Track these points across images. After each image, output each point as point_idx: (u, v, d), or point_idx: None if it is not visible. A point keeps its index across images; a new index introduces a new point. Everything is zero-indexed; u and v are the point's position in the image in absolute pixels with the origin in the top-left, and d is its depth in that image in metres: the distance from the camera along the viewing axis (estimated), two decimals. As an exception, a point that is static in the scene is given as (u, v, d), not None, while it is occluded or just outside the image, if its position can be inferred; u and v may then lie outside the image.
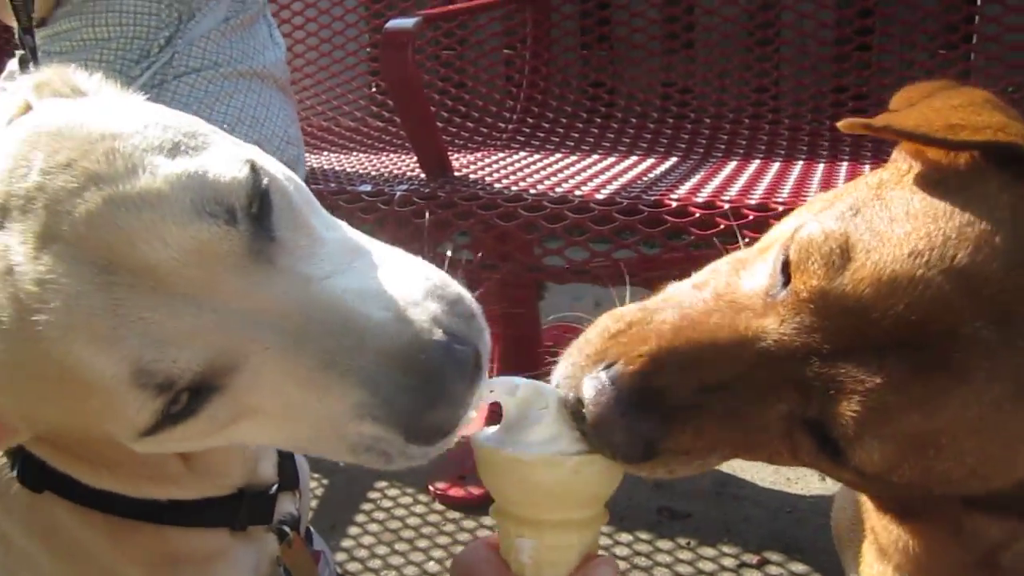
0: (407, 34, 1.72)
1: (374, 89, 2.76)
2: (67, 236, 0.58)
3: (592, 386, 0.65)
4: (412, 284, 0.65)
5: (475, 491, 2.13)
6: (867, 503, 0.90)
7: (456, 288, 0.68)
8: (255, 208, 0.62)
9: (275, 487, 0.97)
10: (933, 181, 0.66)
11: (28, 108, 0.74)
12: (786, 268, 0.66)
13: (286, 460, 1.01)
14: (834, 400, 0.62)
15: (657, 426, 0.64)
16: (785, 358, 0.63)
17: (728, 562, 1.88)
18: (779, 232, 0.73)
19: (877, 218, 0.64)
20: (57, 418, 0.67)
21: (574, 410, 0.66)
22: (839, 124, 0.74)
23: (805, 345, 0.63)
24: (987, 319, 0.59)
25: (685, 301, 0.71)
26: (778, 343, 0.64)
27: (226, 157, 0.63)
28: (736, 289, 0.70)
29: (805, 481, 2.12)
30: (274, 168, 0.68)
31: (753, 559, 1.88)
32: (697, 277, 0.75)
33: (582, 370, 0.68)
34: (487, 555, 0.66)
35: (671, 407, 0.64)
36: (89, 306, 0.58)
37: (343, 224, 0.72)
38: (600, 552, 0.71)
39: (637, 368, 0.65)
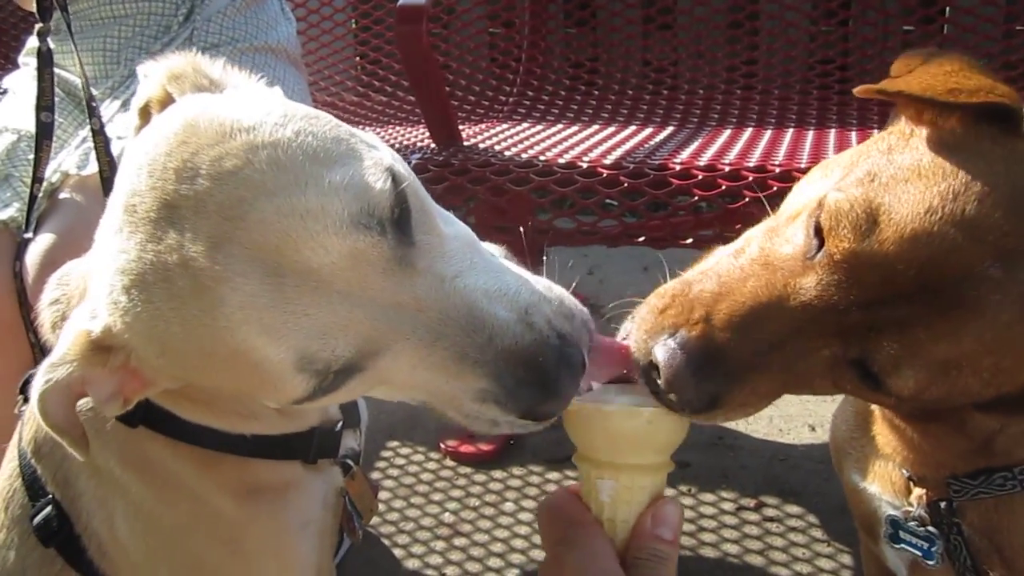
0: (420, 9, 1.79)
1: (359, 65, 2.81)
2: (241, 239, 0.66)
3: (663, 352, 0.75)
4: (527, 284, 0.75)
5: (484, 447, 2.22)
6: (877, 416, 1.01)
7: (559, 289, 0.78)
8: (397, 214, 0.71)
9: (340, 424, 1.07)
10: (936, 141, 0.77)
11: (166, 98, 0.79)
12: (818, 232, 0.76)
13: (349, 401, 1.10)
14: (873, 341, 0.73)
15: (722, 383, 0.74)
16: (827, 311, 0.74)
17: (727, 506, 2.00)
18: (804, 200, 0.82)
19: (893, 181, 0.74)
20: (210, 383, 0.75)
21: (647, 373, 0.76)
22: (855, 90, 0.83)
23: (843, 299, 0.73)
24: (993, 259, 0.70)
25: (723, 269, 0.80)
26: (819, 298, 0.74)
27: (371, 167, 0.71)
28: (771, 254, 0.79)
29: (796, 432, 2.25)
30: (404, 169, 0.76)
31: (751, 503, 2.01)
32: (734, 245, 0.84)
33: (646, 343, 0.77)
34: (569, 497, 0.75)
35: (732, 366, 0.74)
36: (263, 303, 0.66)
37: (450, 214, 0.82)
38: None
39: (698, 333, 0.75)
